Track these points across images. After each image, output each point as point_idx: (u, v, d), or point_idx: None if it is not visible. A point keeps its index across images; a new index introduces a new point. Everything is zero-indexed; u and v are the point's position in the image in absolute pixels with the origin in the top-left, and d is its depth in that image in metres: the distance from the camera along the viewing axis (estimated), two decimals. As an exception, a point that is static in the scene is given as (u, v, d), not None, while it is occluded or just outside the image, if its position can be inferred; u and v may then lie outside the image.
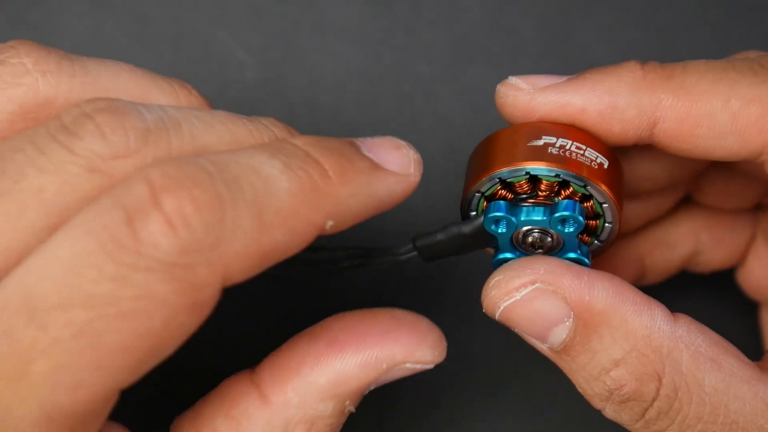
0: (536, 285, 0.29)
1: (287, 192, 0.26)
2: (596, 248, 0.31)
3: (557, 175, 0.29)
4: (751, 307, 0.41)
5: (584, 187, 0.29)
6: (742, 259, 0.39)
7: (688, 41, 0.44)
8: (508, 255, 0.31)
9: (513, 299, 0.29)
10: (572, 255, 0.31)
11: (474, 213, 0.31)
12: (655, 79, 0.30)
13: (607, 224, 0.31)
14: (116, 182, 0.25)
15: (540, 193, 0.30)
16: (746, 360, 0.29)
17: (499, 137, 0.30)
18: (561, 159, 0.29)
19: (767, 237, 0.38)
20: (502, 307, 0.29)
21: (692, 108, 0.30)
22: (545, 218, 0.30)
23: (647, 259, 0.39)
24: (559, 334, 0.29)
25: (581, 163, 0.29)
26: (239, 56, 0.43)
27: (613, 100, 0.30)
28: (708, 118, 0.30)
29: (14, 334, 0.23)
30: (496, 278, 0.30)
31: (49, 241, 0.24)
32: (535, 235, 0.30)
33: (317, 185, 0.26)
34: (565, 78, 0.31)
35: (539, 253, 0.31)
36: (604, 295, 0.29)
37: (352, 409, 0.30)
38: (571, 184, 0.29)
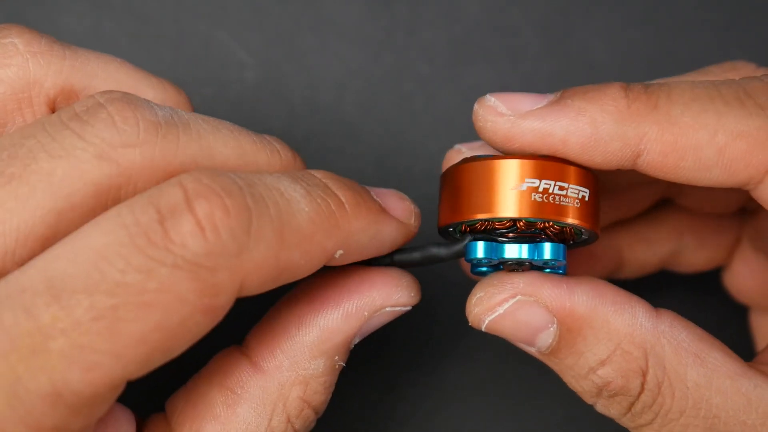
0: (517, 298, 0.30)
1: (307, 216, 0.27)
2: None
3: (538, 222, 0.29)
4: (742, 309, 0.41)
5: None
6: (726, 262, 0.39)
7: (688, 41, 0.44)
8: (485, 270, 0.32)
9: (496, 314, 0.30)
10: (547, 271, 0.31)
11: (451, 229, 0.31)
12: (640, 109, 0.29)
13: (584, 236, 0.31)
14: (123, 170, 0.26)
15: (519, 227, 0.30)
16: (732, 355, 0.30)
17: (478, 172, 0.30)
18: (543, 207, 0.29)
19: (753, 240, 0.38)
20: (486, 321, 0.30)
21: (678, 141, 0.29)
22: (529, 257, 0.30)
23: (626, 252, 0.39)
24: (545, 339, 0.30)
25: (564, 207, 0.29)
26: (239, 56, 0.43)
27: (596, 132, 0.29)
28: (693, 151, 0.29)
29: (35, 310, 0.24)
30: (478, 295, 0.30)
31: (81, 230, 0.25)
32: (513, 264, 0.31)
33: (334, 215, 0.28)
34: (545, 100, 0.30)
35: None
36: (584, 299, 0.30)
37: (342, 363, 0.31)
38: (554, 223, 0.30)
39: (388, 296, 0.31)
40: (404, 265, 0.32)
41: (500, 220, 0.29)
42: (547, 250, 0.30)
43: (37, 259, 0.25)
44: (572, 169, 0.30)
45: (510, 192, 0.29)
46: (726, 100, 0.29)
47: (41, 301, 0.24)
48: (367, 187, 0.31)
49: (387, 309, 0.31)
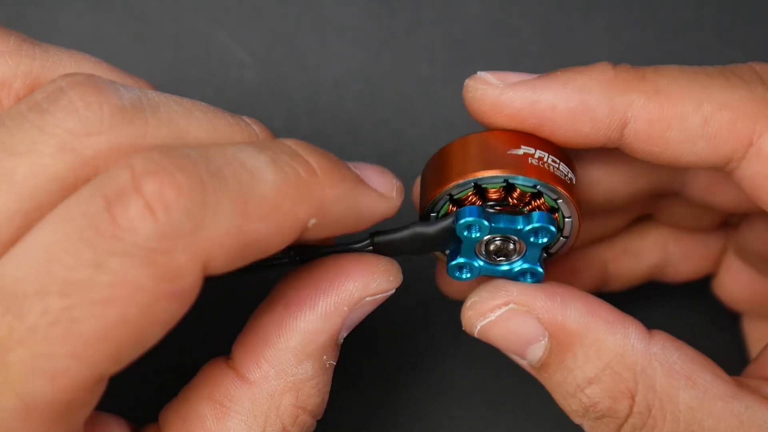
0: (510, 306, 0.29)
1: (272, 185, 0.25)
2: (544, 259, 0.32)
3: (535, 186, 0.29)
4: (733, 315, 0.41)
5: (555, 200, 0.30)
6: (714, 271, 0.39)
7: (688, 41, 0.44)
8: (462, 260, 0.31)
9: (488, 320, 0.30)
10: (526, 265, 0.31)
11: (434, 215, 0.30)
12: (627, 80, 0.29)
13: (562, 238, 0.31)
14: (88, 161, 0.25)
15: (511, 200, 0.30)
16: (724, 376, 0.29)
17: (473, 141, 0.30)
18: (541, 171, 0.29)
19: (738, 252, 0.38)
20: (478, 327, 0.30)
21: (664, 110, 0.29)
22: (521, 227, 0.29)
23: (611, 265, 0.38)
24: (536, 351, 0.30)
25: (558, 177, 0.29)
26: (239, 56, 0.43)
27: (585, 99, 0.29)
28: (679, 120, 0.29)
29: None
30: (472, 299, 0.30)
31: (32, 230, 0.24)
32: (498, 243, 0.30)
33: (304, 181, 0.26)
34: (535, 76, 0.30)
35: (501, 260, 0.31)
36: (576, 314, 0.29)
37: (333, 362, 0.30)
38: (544, 196, 0.29)
39: (365, 286, 0.29)
40: (387, 250, 0.30)
41: (495, 179, 0.29)
42: (537, 217, 0.29)
43: None
44: (562, 152, 0.30)
45: (507, 154, 0.29)
46: (711, 75, 0.30)
47: None
48: (345, 161, 0.29)
49: (367, 299, 0.29)
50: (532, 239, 0.30)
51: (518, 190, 0.29)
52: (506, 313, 0.29)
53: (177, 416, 0.29)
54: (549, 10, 0.44)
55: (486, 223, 0.29)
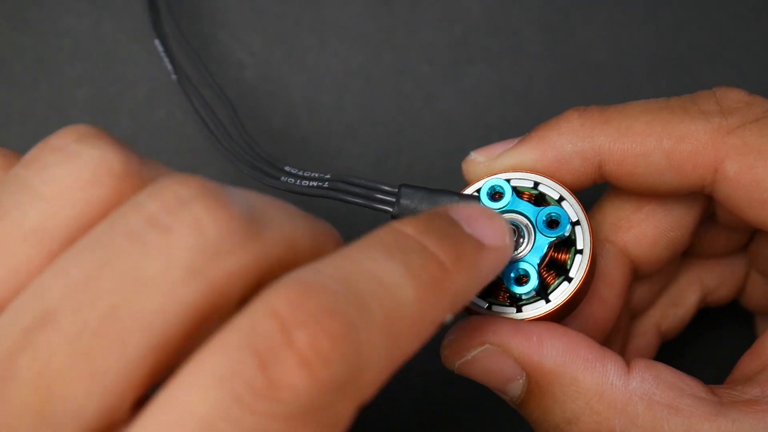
0: (485, 346, 0.30)
1: (413, 297, 0.24)
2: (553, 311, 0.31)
3: (560, 198, 0.32)
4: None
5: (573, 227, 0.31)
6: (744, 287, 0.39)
7: (688, 41, 0.44)
8: None
9: (465, 359, 0.30)
10: (550, 238, 0.31)
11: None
12: (593, 125, 0.32)
13: (578, 254, 0.31)
14: (218, 287, 0.22)
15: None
16: (704, 395, 0.29)
17: None
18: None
19: (757, 267, 0.38)
20: (457, 365, 0.30)
21: (629, 149, 0.31)
22: (535, 212, 0.31)
23: (662, 324, 0.39)
24: (515, 390, 0.30)
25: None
26: (239, 56, 0.43)
27: (557, 155, 0.32)
28: (644, 157, 0.31)
29: None
30: (449, 338, 0.30)
31: (175, 391, 0.21)
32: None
33: (438, 281, 0.25)
34: (516, 141, 0.33)
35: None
36: (553, 353, 0.29)
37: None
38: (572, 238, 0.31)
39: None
40: (407, 206, 0.31)
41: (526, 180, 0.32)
42: (552, 209, 0.31)
43: (141, 428, 0.21)
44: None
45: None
46: (672, 109, 0.31)
47: None
48: (451, 209, 0.27)
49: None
50: (546, 230, 0.31)
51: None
52: (482, 353, 0.30)
53: None
54: (549, 10, 0.44)
55: (513, 195, 0.31)
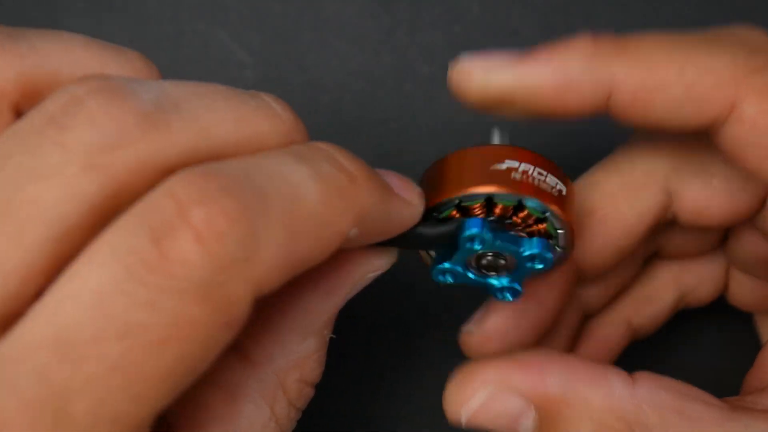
0: (488, 388, 0.29)
1: (318, 199, 0.24)
2: (537, 273, 0.31)
3: (518, 201, 0.29)
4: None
5: (543, 213, 0.29)
6: (726, 285, 0.39)
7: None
8: (449, 266, 0.30)
9: (471, 407, 0.29)
10: (507, 283, 0.31)
11: (436, 214, 0.30)
12: (608, 50, 0.29)
13: (558, 248, 0.31)
14: (118, 179, 0.23)
15: (515, 219, 0.30)
16: (712, 401, 0.29)
17: (456, 160, 0.30)
18: (523, 185, 0.29)
19: (734, 263, 0.38)
20: (464, 417, 0.29)
21: (647, 78, 0.29)
22: (522, 250, 0.30)
23: (634, 319, 0.38)
24: (527, 426, 0.29)
25: (542, 190, 0.29)
26: (239, 56, 0.43)
27: (566, 76, 0.29)
28: (663, 88, 0.29)
29: (48, 373, 0.21)
30: (449, 392, 0.29)
31: (74, 269, 0.22)
32: (490, 258, 0.30)
33: (346, 190, 0.25)
34: (517, 55, 0.30)
35: (492, 275, 0.31)
36: (557, 380, 0.29)
37: (332, 335, 0.29)
38: (528, 208, 0.29)
39: (368, 264, 0.29)
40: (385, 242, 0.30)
41: (476, 196, 0.29)
42: (536, 244, 0.30)
43: (41, 309, 0.22)
44: (551, 163, 0.30)
45: (488, 170, 0.29)
46: (693, 43, 0.29)
47: (53, 360, 0.21)
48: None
49: (369, 275, 0.30)
50: (528, 264, 0.30)
51: (526, 211, 0.29)
52: (487, 398, 0.29)
53: (185, 408, 0.28)
54: (549, 10, 0.44)
55: (490, 238, 0.29)
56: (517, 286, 0.31)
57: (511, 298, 0.31)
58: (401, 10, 0.44)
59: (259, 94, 0.27)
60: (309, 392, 0.30)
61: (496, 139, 0.32)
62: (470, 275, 0.31)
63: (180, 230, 0.22)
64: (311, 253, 0.25)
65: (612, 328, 0.38)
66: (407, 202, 0.28)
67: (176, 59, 0.43)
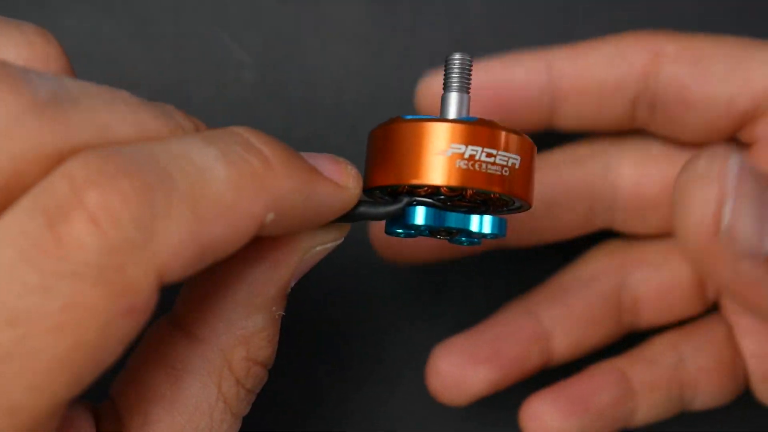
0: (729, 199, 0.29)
1: (225, 181, 0.24)
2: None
3: (464, 191, 0.28)
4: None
5: (490, 194, 0.29)
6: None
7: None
8: (399, 230, 0.30)
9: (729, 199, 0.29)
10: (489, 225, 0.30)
11: (378, 192, 0.29)
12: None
13: (516, 204, 0.30)
14: (10, 168, 0.22)
15: (465, 195, 0.29)
16: None
17: (405, 134, 0.29)
18: (469, 174, 0.28)
19: (740, 329, 0.38)
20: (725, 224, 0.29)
21: (711, 91, 0.32)
22: (473, 230, 0.29)
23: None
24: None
25: (490, 175, 0.28)
26: (239, 56, 0.43)
27: (608, 79, 0.32)
28: (725, 101, 0.31)
29: None
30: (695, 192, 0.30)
31: None
32: (443, 231, 0.30)
33: (258, 173, 0.24)
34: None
35: (445, 238, 0.30)
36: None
37: (281, 312, 0.28)
38: (475, 191, 0.29)
39: (312, 237, 0.28)
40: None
41: (420, 187, 0.28)
42: (488, 223, 0.29)
43: None
44: (503, 134, 0.29)
45: (434, 158, 0.28)
46: (747, 48, 0.32)
47: None
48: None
49: (318, 248, 0.28)
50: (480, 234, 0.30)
51: (473, 191, 0.29)
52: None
53: (129, 387, 0.27)
54: (549, 10, 0.44)
55: (437, 223, 0.29)
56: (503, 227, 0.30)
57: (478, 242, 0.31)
58: (401, 10, 0.44)
59: (164, 104, 0.26)
60: (260, 372, 0.28)
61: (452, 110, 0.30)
62: (425, 233, 0.30)
63: (75, 212, 0.21)
64: (222, 238, 0.24)
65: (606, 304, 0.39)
66: (340, 186, 0.27)
67: (176, 59, 0.43)
